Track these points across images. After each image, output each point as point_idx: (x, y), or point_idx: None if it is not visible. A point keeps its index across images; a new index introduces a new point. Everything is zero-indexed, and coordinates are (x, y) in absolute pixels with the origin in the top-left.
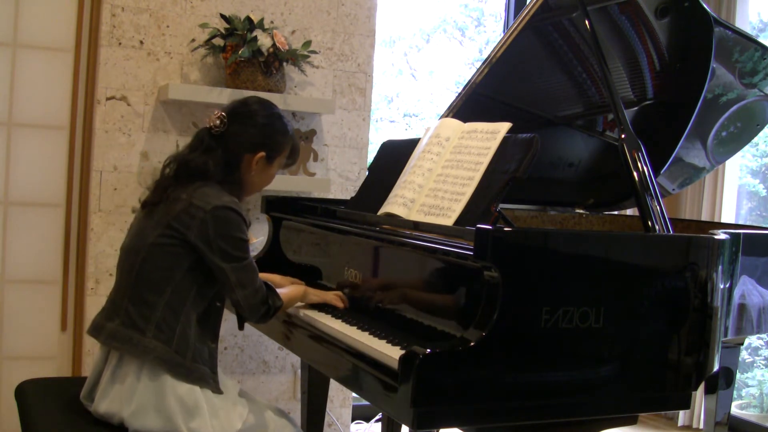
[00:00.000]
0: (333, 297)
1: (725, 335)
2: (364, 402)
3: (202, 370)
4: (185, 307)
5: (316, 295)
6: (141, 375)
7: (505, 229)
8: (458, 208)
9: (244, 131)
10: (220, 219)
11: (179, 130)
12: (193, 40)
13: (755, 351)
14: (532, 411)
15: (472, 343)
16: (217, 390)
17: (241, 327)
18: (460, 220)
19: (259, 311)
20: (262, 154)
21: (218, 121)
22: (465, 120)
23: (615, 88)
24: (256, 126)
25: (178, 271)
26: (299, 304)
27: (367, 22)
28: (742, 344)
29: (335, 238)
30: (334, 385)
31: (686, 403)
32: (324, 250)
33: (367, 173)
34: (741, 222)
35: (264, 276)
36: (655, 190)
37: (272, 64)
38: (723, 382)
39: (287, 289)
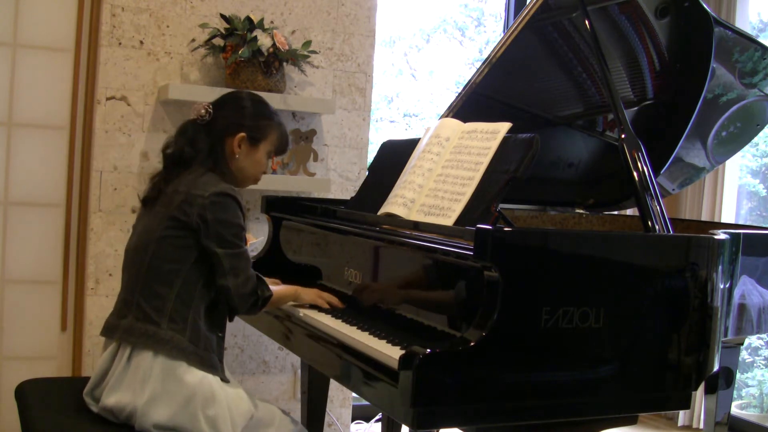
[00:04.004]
0: (326, 300)
1: (725, 335)
2: (364, 402)
3: (213, 359)
4: (194, 299)
5: (308, 294)
6: (154, 364)
7: (505, 229)
8: (458, 208)
9: (226, 116)
10: (218, 204)
11: None
12: (193, 40)
13: (755, 351)
14: (532, 411)
15: (472, 343)
16: (225, 379)
17: (230, 318)
18: (460, 220)
19: (248, 301)
20: (242, 135)
21: (203, 111)
22: (465, 120)
23: (615, 88)
24: (238, 109)
25: (186, 263)
26: (298, 303)
27: (367, 22)
28: (742, 344)
29: (335, 238)
30: (334, 385)
31: (686, 403)
32: (324, 250)
33: (367, 173)
34: (741, 222)
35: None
36: (655, 190)
37: (272, 64)
38: (723, 382)
39: (280, 287)
